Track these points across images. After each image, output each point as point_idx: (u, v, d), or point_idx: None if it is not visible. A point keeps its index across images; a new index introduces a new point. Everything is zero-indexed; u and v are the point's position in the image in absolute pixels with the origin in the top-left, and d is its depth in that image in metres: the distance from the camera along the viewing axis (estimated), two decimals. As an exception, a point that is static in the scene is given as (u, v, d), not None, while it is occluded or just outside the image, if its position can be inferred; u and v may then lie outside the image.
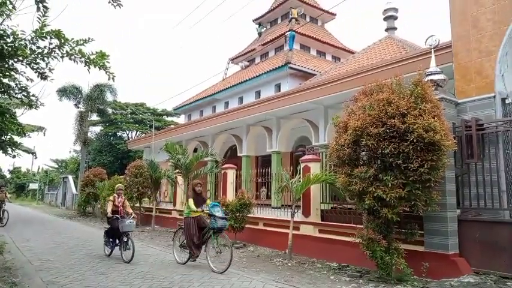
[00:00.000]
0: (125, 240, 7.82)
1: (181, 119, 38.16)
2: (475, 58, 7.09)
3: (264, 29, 26.83)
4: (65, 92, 24.94)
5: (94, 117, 31.00)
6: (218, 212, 7.25)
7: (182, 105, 27.78)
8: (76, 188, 29.30)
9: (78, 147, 36.41)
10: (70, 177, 31.81)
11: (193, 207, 7.42)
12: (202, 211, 7.65)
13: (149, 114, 41.78)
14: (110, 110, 31.11)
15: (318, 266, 7.85)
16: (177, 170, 14.83)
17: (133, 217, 8.22)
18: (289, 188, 8.82)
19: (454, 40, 7.45)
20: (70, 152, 49.79)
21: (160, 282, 6.05)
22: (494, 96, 6.75)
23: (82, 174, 26.58)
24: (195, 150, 21.03)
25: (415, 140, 5.68)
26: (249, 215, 10.46)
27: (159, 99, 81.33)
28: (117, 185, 9.29)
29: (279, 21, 25.95)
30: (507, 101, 6.84)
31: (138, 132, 42.50)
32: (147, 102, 43.90)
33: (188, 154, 13.54)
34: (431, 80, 6.88)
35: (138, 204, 16.48)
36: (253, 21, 27.50)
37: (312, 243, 8.91)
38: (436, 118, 5.81)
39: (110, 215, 8.22)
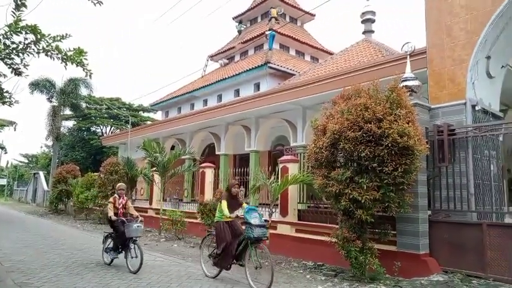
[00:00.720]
0: (132, 247, 6.91)
1: (158, 115, 37.68)
2: (448, 66, 7.38)
3: (244, 27, 26.82)
4: (38, 85, 24.14)
5: (67, 111, 30.19)
6: (255, 219, 6.15)
7: (160, 102, 27.42)
8: (47, 184, 28.47)
9: (50, 143, 35.37)
10: (41, 173, 30.84)
11: (226, 211, 6.38)
12: (237, 216, 6.61)
13: (125, 109, 41.00)
14: (84, 105, 30.28)
15: (294, 265, 7.99)
16: (154, 168, 14.67)
17: (140, 220, 7.27)
18: (268, 188, 8.93)
19: (429, 47, 7.72)
20: (41, 147, 48.21)
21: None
22: (465, 103, 7.05)
23: (54, 170, 25.84)
24: (173, 147, 20.84)
25: (390, 145, 5.87)
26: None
27: (135, 94, 79.91)
28: (118, 184, 8.16)
29: (259, 19, 26.00)
30: (477, 108, 7.15)
31: (112, 128, 41.63)
32: (122, 97, 43.00)
33: (166, 153, 13.39)
34: (406, 85, 7.11)
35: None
36: (233, 18, 27.46)
37: (288, 243, 9.05)
38: (410, 124, 6.03)
39: (114, 218, 7.27)
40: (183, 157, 15.05)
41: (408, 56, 7.70)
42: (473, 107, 7.12)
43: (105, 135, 40.74)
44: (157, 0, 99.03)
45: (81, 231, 13.38)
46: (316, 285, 6.39)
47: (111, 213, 7.37)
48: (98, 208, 16.59)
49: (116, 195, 7.71)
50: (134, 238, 6.92)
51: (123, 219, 7.26)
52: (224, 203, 6.51)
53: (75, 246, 9.63)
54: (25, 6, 4.77)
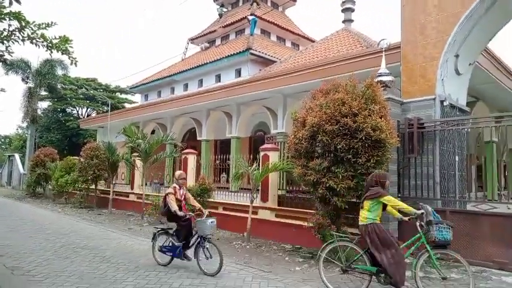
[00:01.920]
0: (206, 246, 6.03)
1: (137, 98, 37.23)
2: (420, 62, 7.85)
3: (226, 10, 26.65)
4: (12, 66, 23.40)
5: (43, 92, 29.43)
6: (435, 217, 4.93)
7: (139, 85, 27.16)
8: (23, 167, 27.96)
9: (24, 124, 34.48)
10: (17, 156, 30.21)
11: (401, 207, 5.07)
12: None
13: (101, 90, 40.21)
14: (59, 86, 29.58)
15: (274, 248, 8.49)
16: (136, 154, 14.80)
17: (207, 214, 6.40)
18: (249, 175, 9.33)
19: (403, 44, 8.16)
20: (17, 129, 46.86)
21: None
22: (434, 98, 7.57)
23: (31, 153, 25.39)
24: (153, 131, 20.89)
25: (364, 138, 6.32)
26: (209, 200, 10.87)
27: (112, 75, 77.91)
28: (178, 172, 7.06)
29: (241, 3, 25.89)
30: (445, 103, 7.69)
31: (89, 109, 40.86)
32: (99, 78, 42.06)
33: (148, 139, 13.53)
34: (380, 81, 7.55)
35: (93, 187, 16.29)
36: (214, 1, 27.26)
37: (269, 227, 9.53)
38: (383, 118, 6.48)
39: (180, 213, 6.24)
40: (164, 142, 15.23)
41: (384, 53, 8.12)
42: (442, 102, 7.65)
43: (81, 116, 40.00)
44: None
45: (62, 215, 13.47)
46: (294, 267, 6.89)
47: (175, 207, 6.26)
48: (78, 192, 16.63)
49: (175, 184, 6.65)
50: (208, 236, 6.08)
51: (192, 214, 6.45)
52: (391, 199, 5.09)
53: (59, 230, 9.80)
54: (19, 2, 4.86)
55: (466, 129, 7.89)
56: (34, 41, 6.97)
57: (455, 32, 7.41)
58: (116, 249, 7.75)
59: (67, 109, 39.98)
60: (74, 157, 18.71)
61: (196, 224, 6.15)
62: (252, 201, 9.21)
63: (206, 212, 6.45)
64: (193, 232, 6.34)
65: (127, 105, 41.11)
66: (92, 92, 34.15)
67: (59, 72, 25.55)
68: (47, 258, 6.76)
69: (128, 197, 15.82)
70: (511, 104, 14.04)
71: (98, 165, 15.46)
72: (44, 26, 6.89)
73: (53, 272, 5.87)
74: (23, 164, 28.65)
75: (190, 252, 6.35)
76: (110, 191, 15.53)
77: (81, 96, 38.96)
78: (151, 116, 19.64)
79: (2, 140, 54.01)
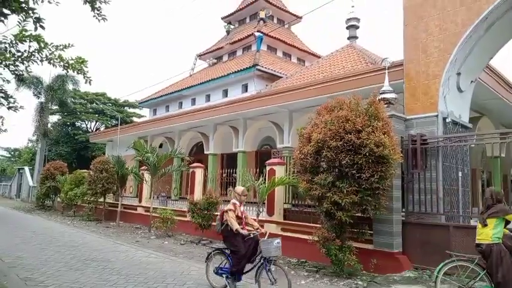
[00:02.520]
0: (271, 269, 5.51)
1: (145, 112, 37.76)
2: (422, 80, 8.06)
3: (233, 27, 27.23)
4: (25, 82, 24.02)
5: (53, 107, 30.05)
6: None
7: (148, 99, 27.61)
8: (33, 180, 28.39)
9: (35, 137, 35.10)
10: (26, 169, 30.68)
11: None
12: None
13: (110, 104, 40.93)
14: (70, 101, 30.27)
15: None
16: (144, 167, 15.07)
17: (260, 232, 5.94)
18: (255, 188, 9.51)
19: (406, 62, 8.39)
20: (29, 143, 47.63)
21: None
22: (437, 115, 7.74)
23: (40, 166, 25.84)
24: (161, 145, 21.20)
25: (367, 154, 6.50)
26: (215, 213, 11.02)
27: (121, 90, 79.14)
28: (241, 188, 6.42)
29: (247, 20, 26.44)
30: (447, 120, 7.86)
31: (97, 123, 41.52)
32: (108, 92, 42.84)
33: (157, 152, 13.80)
34: (384, 98, 7.77)
35: (102, 200, 16.53)
36: (221, 18, 27.81)
37: (274, 241, 9.63)
38: (386, 135, 6.67)
39: (243, 231, 5.70)
40: (172, 156, 15.49)
41: (386, 71, 8.35)
42: (444, 119, 7.82)
43: (90, 130, 40.64)
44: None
45: (72, 228, 13.69)
46: (299, 280, 7.00)
47: (237, 226, 5.73)
48: (86, 205, 16.88)
49: (235, 201, 6.12)
50: (274, 258, 5.60)
51: (256, 232, 5.87)
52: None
53: (69, 243, 10.01)
54: (43, 28, 5.19)
55: (467, 146, 8.02)
56: (52, 61, 7.33)
57: (457, 51, 7.63)
58: (125, 262, 7.91)
59: (76, 123, 40.69)
60: (83, 170, 19.05)
61: (261, 245, 5.61)
62: (258, 215, 9.36)
63: (265, 231, 6.05)
64: (256, 253, 5.79)
65: (135, 119, 41.74)
66: (101, 106, 34.79)
67: (70, 87, 26.16)
68: (58, 269, 6.95)
69: (135, 210, 16.03)
70: (516, 119, 14.13)
71: (107, 179, 15.71)
72: (61, 47, 7.26)
73: (65, 283, 6.05)
74: (32, 176, 29.09)
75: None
76: (118, 204, 15.77)
77: (90, 110, 39.66)
78: (160, 130, 19.98)
79: (12, 153, 54.76)
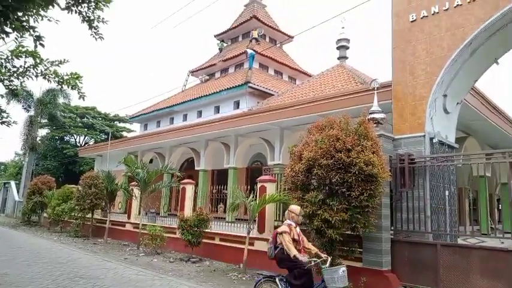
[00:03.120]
0: None
1: (136, 127, 37.66)
2: (410, 101, 8.30)
3: (225, 45, 27.64)
4: (15, 95, 23.88)
5: (43, 120, 29.82)
6: None
7: (139, 114, 27.60)
8: (19, 194, 27.86)
9: (22, 151, 34.66)
10: (13, 183, 30.12)
11: None
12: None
13: (100, 119, 40.78)
14: (59, 114, 30.07)
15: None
16: (134, 183, 14.99)
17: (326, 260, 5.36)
18: (246, 205, 9.54)
19: (394, 84, 8.65)
20: (15, 157, 46.92)
21: None
22: (424, 135, 7.95)
23: (27, 180, 25.44)
24: (151, 161, 21.12)
25: (357, 172, 6.63)
26: (206, 230, 10.99)
27: (112, 104, 78.91)
28: (297, 207, 5.95)
29: (240, 39, 26.90)
30: (434, 140, 8.08)
31: (86, 137, 41.21)
32: (98, 107, 42.68)
33: (148, 168, 13.76)
34: (373, 118, 7.97)
35: (90, 216, 16.30)
36: (214, 36, 28.24)
37: (265, 258, 9.56)
38: (375, 154, 6.83)
39: (303, 258, 5.21)
40: (163, 172, 15.44)
41: (375, 91, 8.59)
42: (431, 139, 8.04)
43: (78, 144, 40.28)
44: (142, 14, 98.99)
45: (58, 244, 13.45)
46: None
47: (295, 251, 5.24)
48: (74, 221, 16.61)
49: (290, 221, 5.63)
50: None
51: (317, 259, 5.32)
52: None
53: (57, 259, 9.84)
54: (43, 45, 5.27)
55: (454, 165, 8.23)
56: (47, 76, 7.39)
57: (443, 73, 7.91)
58: (114, 279, 7.81)
59: (65, 137, 40.33)
60: (71, 185, 18.83)
61: (324, 274, 5.11)
62: (249, 232, 9.37)
63: (326, 256, 5.44)
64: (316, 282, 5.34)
65: (125, 133, 41.57)
66: (92, 120, 34.61)
67: (61, 100, 26.04)
68: (46, 286, 6.83)
69: (124, 226, 15.83)
70: (500, 140, 14.52)
71: (96, 194, 15.54)
72: (57, 63, 7.34)
73: (53, 300, 5.96)
74: (18, 191, 28.56)
75: None
76: (106, 220, 15.57)
77: (79, 124, 39.42)
78: (150, 146, 19.94)
79: (-4, 166, 53.80)
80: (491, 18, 7.41)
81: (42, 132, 38.22)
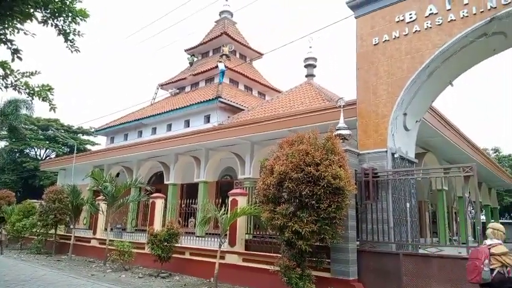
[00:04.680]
0: None
1: (101, 140, 36.77)
2: (373, 119, 8.83)
3: (196, 59, 27.81)
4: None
5: (2, 132, 28.50)
6: None
7: (106, 127, 27.00)
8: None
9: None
10: (-35, 198, 28.30)
11: None
12: None
13: (63, 131, 39.49)
14: (22, 127, 28.79)
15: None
16: (100, 197, 14.66)
17: None
18: (218, 219, 9.64)
19: (358, 102, 9.18)
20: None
21: None
22: (386, 151, 8.47)
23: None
24: (117, 175, 20.70)
25: (325, 185, 6.97)
26: (176, 245, 10.93)
27: (76, 116, 76.51)
28: (499, 225, 5.39)
29: (211, 54, 27.18)
30: (395, 155, 8.61)
31: (48, 150, 39.68)
32: (61, 118, 41.35)
33: (116, 182, 13.54)
34: (339, 134, 8.41)
35: (53, 231, 15.70)
36: (185, 50, 28.35)
37: (236, 272, 9.72)
38: (341, 168, 7.21)
39: None
40: (132, 186, 15.21)
41: (342, 110, 9.07)
42: (393, 154, 8.56)
43: (39, 158, 38.68)
44: (110, 28, 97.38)
45: (19, 261, 12.86)
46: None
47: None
48: (35, 237, 15.94)
49: (498, 240, 5.10)
50: None
51: None
52: None
53: (19, 277, 9.44)
54: (20, 59, 5.29)
55: (414, 179, 8.79)
56: (17, 88, 7.30)
57: (403, 93, 8.50)
58: (82, 295, 7.65)
59: (25, 150, 38.66)
60: (33, 200, 18.08)
61: None
62: (220, 246, 9.45)
63: None
64: None
65: (89, 146, 40.42)
66: (56, 133, 33.45)
67: (23, 111, 25.01)
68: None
69: (89, 242, 15.37)
70: (456, 155, 15.50)
71: (60, 209, 15.05)
72: (28, 74, 7.28)
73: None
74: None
75: None
76: (70, 236, 15.06)
77: (41, 136, 37.97)
78: (117, 159, 19.59)
79: None
80: (445, 44, 8.10)
81: (0, 144, 36.54)
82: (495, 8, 7.49)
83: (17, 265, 11.89)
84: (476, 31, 7.77)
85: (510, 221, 40.64)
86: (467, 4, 7.90)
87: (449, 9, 8.13)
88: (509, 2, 7.35)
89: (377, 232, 8.22)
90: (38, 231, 15.71)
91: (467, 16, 7.86)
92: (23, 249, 16.23)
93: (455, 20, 8.03)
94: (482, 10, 7.67)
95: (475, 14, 7.75)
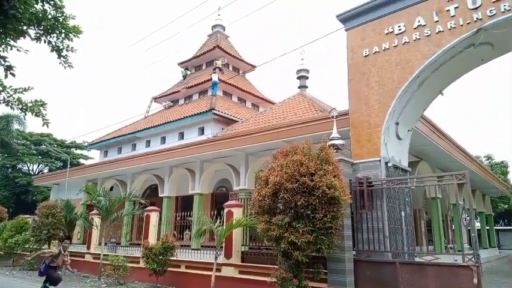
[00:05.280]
0: None
1: (94, 154, 36.58)
2: (366, 128, 8.94)
3: (189, 72, 27.96)
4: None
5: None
6: None
7: (99, 141, 26.88)
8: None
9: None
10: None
11: None
12: None
13: (55, 146, 39.25)
14: (15, 143, 28.63)
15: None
16: (94, 211, 14.54)
17: None
18: (213, 231, 9.61)
19: (351, 113, 9.30)
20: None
21: None
22: (379, 160, 8.55)
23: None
24: (111, 188, 20.56)
25: (320, 195, 7.01)
26: (171, 258, 10.84)
27: (68, 130, 76.12)
28: None
29: (204, 67, 27.36)
30: (389, 164, 8.70)
31: (40, 165, 39.33)
32: (54, 133, 41.12)
33: (110, 196, 13.46)
34: (333, 144, 8.49)
35: (46, 247, 15.46)
36: (178, 64, 28.52)
37: (232, 284, 9.65)
38: (336, 177, 7.27)
39: None
40: (127, 200, 15.11)
41: (335, 120, 9.17)
42: (386, 163, 8.65)
43: (32, 173, 38.31)
44: (103, 42, 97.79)
45: (11, 278, 12.66)
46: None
47: None
48: (28, 253, 15.66)
49: None
50: None
51: None
52: None
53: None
54: (13, 75, 5.31)
55: (408, 187, 8.87)
56: (10, 103, 7.29)
57: (394, 103, 8.63)
58: (76, 312, 7.53)
59: (17, 165, 38.28)
60: (26, 216, 17.85)
61: None
62: (216, 258, 9.40)
63: None
64: None
65: (82, 161, 40.15)
66: (49, 148, 33.21)
67: (15, 127, 24.93)
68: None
69: (83, 257, 15.16)
70: (449, 163, 15.65)
71: (54, 224, 14.87)
72: (21, 90, 7.27)
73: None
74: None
75: None
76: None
77: (34, 151, 37.66)
78: (111, 173, 19.49)
79: None
80: (434, 55, 8.28)
81: (-8, 160, 36.16)
82: (481, 19, 7.70)
83: (10, 282, 11.69)
84: (464, 41, 7.96)
85: (505, 227, 40.87)
86: (454, 16, 8.10)
87: (437, 21, 8.33)
88: (495, 14, 7.57)
89: (373, 241, 8.24)
90: (31, 247, 15.47)
91: (454, 27, 8.06)
92: (15, 266, 15.95)
93: (443, 31, 8.22)
94: (468, 21, 7.87)
95: (461, 25, 7.95)
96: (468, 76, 9.42)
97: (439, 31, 8.27)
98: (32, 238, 15.11)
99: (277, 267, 7.85)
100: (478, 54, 8.32)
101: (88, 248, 15.13)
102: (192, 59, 27.53)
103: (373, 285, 7.91)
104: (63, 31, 6.39)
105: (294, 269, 7.51)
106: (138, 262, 12.22)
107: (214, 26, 28.47)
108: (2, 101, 7.23)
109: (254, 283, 9.21)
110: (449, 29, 8.12)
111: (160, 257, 10.65)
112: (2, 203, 31.94)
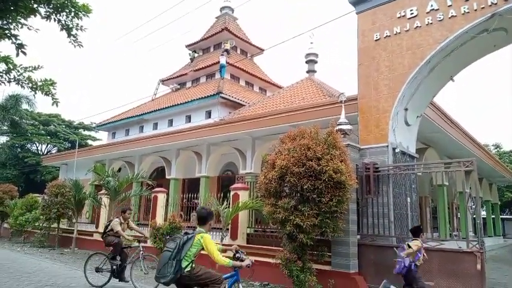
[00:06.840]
0: None
1: (103, 135, 36.88)
2: (374, 114, 8.89)
3: (197, 55, 27.81)
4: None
5: (3, 127, 28.62)
6: None
7: (107, 123, 27.09)
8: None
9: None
10: (-33, 192, 28.46)
11: None
12: None
13: (64, 126, 39.61)
14: (24, 122, 28.89)
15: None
16: (103, 192, 14.77)
17: None
18: (220, 213, 9.74)
19: (359, 98, 9.23)
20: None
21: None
22: (387, 146, 8.54)
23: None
24: (119, 169, 20.79)
25: (326, 179, 7.05)
26: (179, 238, 11.02)
27: (77, 111, 76.60)
28: None
29: (212, 49, 27.17)
30: (396, 150, 8.68)
31: (49, 146, 39.79)
32: (62, 114, 41.43)
33: (118, 177, 13.64)
34: (340, 129, 8.48)
35: (55, 225, 15.83)
36: (186, 46, 28.33)
37: (237, 265, 9.80)
38: (342, 162, 7.29)
39: None
40: (134, 181, 15.30)
41: (343, 105, 9.13)
42: (394, 149, 8.63)
43: (40, 153, 38.80)
44: (111, 23, 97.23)
45: (23, 254, 13.00)
46: (262, 302, 7.24)
47: None
48: (38, 231, 16.08)
49: None
50: None
51: None
52: None
53: (23, 269, 9.56)
54: (24, 53, 5.34)
55: (415, 174, 8.86)
56: (20, 82, 7.36)
57: (404, 89, 8.55)
58: (89, 287, 7.75)
59: (26, 145, 38.77)
60: (35, 194, 18.20)
61: None
62: (222, 239, 9.56)
63: None
64: None
65: (90, 142, 40.54)
66: (57, 128, 33.54)
67: (24, 106, 25.12)
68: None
69: (92, 236, 15.49)
70: (457, 150, 15.56)
71: (63, 203, 15.16)
72: (30, 69, 7.33)
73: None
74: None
75: None
76: (72, 229, 15.19)
77: (42, 132, 38.04)
78: (119, 154, 19.67)
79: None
80: (446, 40, 8.14)
81: (2, 139, 36.65)
82: (496, 4, 7.53)
83: (20, 258, 12.02)
84: (477, 27, 7.81)
85: (510, 216, 40.79)
86: (468, 0, 7.93)
87: (450, 5, 8.16)
88: (511, -2, 7.38)
89: (378, 226, 8.31)
90: (40, 225, 15.84)
91: (468, 12, 7.89)
92: (26, 243, 16.37)
93: (456, 16, 8.06)
94: (483, 6, 7.70)
95: (475, 10, 7.78)
96: (479, 62, 9.26)
97: (452, 16, 8.11)
98: (41, 216, 15.43)
99: (282, 249, 7.97)
100: (491, 40, 8.16)
101: (96, 227, 15.43)
102: (200, 41, 27.32)
103: (376, 269, 8.01)
104: (72, 10, 6.40)
105: (298, 251, 7.62)
106: (145, 241, 12.43)
107: (222, 8, 28.14)
108: (12, 80, 7.30)
109: (259, 264, 9.27)
110: (463, 14, 7.96)
111: (167, 237, 10.84)
112: (12, 181, 32.53)
